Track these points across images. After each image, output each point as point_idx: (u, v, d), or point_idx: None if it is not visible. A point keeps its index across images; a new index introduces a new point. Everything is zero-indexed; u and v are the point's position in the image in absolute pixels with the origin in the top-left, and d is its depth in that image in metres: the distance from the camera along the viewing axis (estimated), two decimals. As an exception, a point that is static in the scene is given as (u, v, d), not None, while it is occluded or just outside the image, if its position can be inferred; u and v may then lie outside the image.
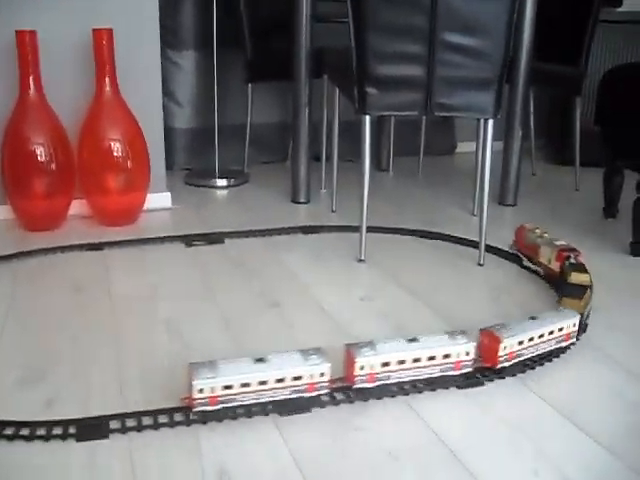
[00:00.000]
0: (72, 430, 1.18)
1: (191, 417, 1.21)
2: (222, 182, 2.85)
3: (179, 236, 2.18)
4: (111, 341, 1.52)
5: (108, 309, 1.68)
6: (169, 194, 2.52)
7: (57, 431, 1.18)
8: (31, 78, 2.21)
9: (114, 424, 1.20)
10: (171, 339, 1.53)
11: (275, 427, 1.21)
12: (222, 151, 2.93)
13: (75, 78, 2.35)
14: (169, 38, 2.97)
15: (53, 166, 2.22)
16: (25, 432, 1.17)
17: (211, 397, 1.21)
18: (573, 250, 1.84)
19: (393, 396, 1.31)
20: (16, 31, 2.18)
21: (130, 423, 1.20)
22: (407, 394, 1.32)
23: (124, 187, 2.28)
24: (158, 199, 2.47)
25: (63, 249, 2.07)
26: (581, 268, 1.74)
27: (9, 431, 1.17)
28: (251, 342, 1.52)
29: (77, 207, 2.35)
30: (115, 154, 2.24)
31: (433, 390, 1.34)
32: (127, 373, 1.38)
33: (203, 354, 1.45)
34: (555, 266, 1.83)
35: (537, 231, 1.98)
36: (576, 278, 1.71)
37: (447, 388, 1.35)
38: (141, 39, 2.40)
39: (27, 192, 2.22)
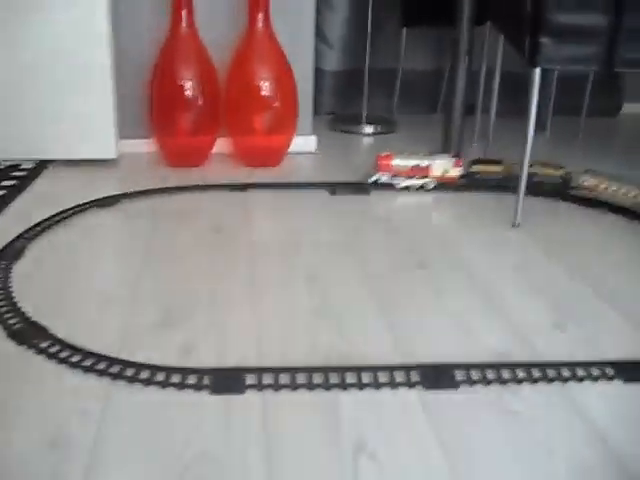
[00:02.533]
0: (207, 381, 1.13)
1: (330, 381, 1.14)
2: (369, 129, 2.75)
3: (323, 183, 2.09)
4: (249, 289, 1.46)
5: (248, 254, 1.62)
6: (315, 138, 2.44)
7: (191, 380, 1.13)
8: (184, 12, 2.16)
9: (250, 379, 1.14)
10: (311, 293, 1.45)
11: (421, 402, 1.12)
12: (370, 97, 2.82)
13: (228, 13, 2.28)
14: (324, -25, 2.86)
15: (200, 102, 2.18)
16: (160, 378, 1.13)
17: None
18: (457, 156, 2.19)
19: None
20: (173, -37, 2.13)
21: (267, 380, 1.14)
22: None
23: (270, 128, 2.21)
24: (304, 142, 2.39)
25: (205, 188, 2.03)
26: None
27: (145, 375, 1.14)
28: (396, 305, 1.42)
29: (221, 146, 2.31)
30: (263, 93, 2.17)
31: None
32: (265, 325, 1.32)
33: (344, 313, 1.37)
34: (455, 172, 2.10)
35: (405, 154, 2.11)
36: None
37: None
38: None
39: (173, 127, 2.20)
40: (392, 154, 2.09)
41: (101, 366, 1.16)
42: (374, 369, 1.17)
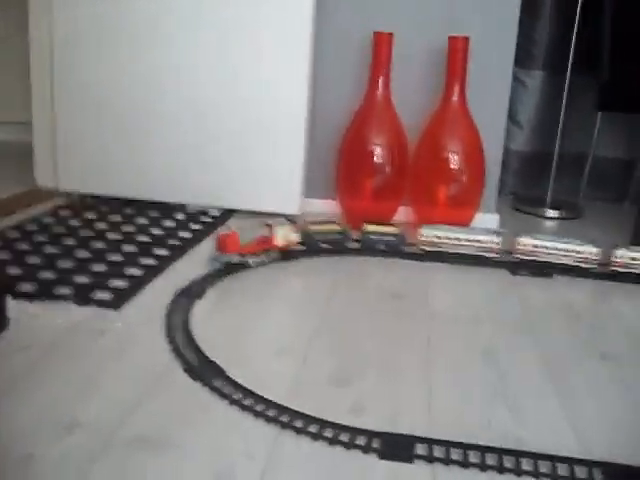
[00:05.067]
0: (375, 444, 1.09)
1: (504, 464, 1.07)
2: (552, 213, 2.66)
3: (504, 262, 2.02)
4: (423, 357, 1.42)
5: (425, 323, 1.59)
6: (497, 216, 2.39)
7: (360, 441, 1.10)
8: (381, 79, 2.20)
9: (420, 449, 1.09)
10: (487, 369, 1.39)
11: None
12: (556, 180, 2.74)
13: (423, 83, 2.31)
14: (519, 55, 2.83)
15: (388, 169, 2.19)
16: (328, 434, 1.11)
17: None
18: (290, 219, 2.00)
19: None
20: (374, 32, 2.19)
21: (437, 452, 1.09)
22: None
23: (455, 201, 2.19)
24: (485, 219, 2.33)
25: (385, 253, 2.03)
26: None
27: (313, 428, 1.12)
28: (572, 390, 1.33)
29: (402, 213, 2.31)
30: (452, 166, 2.16)
31: None
32: (438, 395, 1.27)
33: (517, 391, 1.30)
34: (294, 238, 1.91)
35: (240, 229, 1.86)
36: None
37: None
38: (495, 52, 2.29)
39: (358, 191, 2.23)
40: (234, 232, 1.83)
41: (271, 413, 1.15)
42: (552, 459, 1.09)
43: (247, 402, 1.18)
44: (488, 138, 2.26)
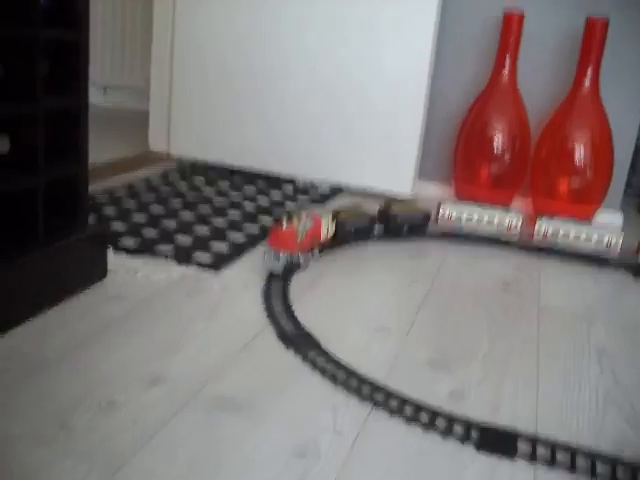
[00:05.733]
0: (474, 434, 1.01)
1: (617, 475, 0.96)
2: (683, 218, 2.47)
3: (625, 263, 1.88)
4: (532, 350, 1.31)
5: (535, 316, 1.48)
6: (621, 215, 2.23)
7: (458, 430, 1.02)
8: (507, 62, 2.09)
9: (522, 445, 1.00)
10: (602, 372, 1.27)
11: None
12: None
13: (552, 68, 2.18)
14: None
15: (507, 157, 2.08)
16: (424, 419, 1.03)
17: None
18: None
19: None
20: (505, 13, 2.08)
21: (541, 451, 0.99)
22: None
23: (577, 195, 2.05)
24: (608, 217, 2.18)
25: (497, 242, 1.92)
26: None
27: (409, 411, 1.04)
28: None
29: (517, 203, 2.19)
30: (577, 158, 2.02)
31: None
32: (545, 391, 1.17)
33: (636, 398, 1.18)
34: (333, 227, 1.70)
35: (295, 221, 1.54)
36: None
37: None
38: (636, 39, 2.13)
39: (474, 177, 2.12)
40: (291, 227, 1.52)
41: (365, 390, 1.08)
42: (673, 475, 0.98)
43: (340, 377, 1.12)
44: (619, 132, 2.10)
